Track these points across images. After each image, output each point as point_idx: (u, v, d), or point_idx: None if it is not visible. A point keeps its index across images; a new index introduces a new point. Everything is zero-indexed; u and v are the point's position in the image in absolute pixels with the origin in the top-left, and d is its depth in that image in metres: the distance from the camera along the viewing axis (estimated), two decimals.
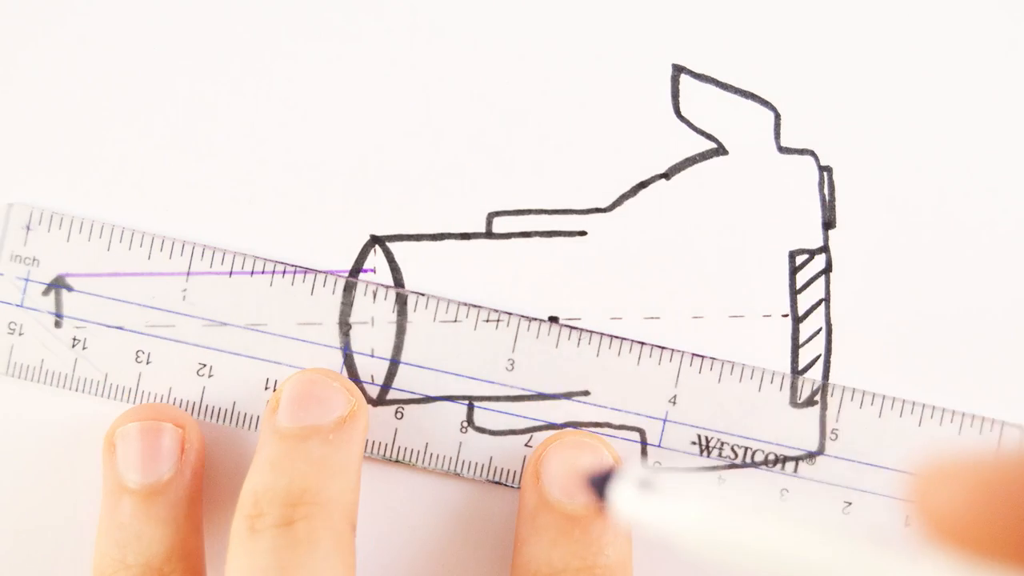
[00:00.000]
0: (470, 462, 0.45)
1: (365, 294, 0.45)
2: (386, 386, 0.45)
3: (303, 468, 0.40)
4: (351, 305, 0.45)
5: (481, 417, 0.45)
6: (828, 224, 0.45)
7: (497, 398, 0.45)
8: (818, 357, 0.46)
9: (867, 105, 0.45)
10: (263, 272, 0.45)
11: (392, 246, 0.45)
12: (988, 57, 0.45)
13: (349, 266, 0.45)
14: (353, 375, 0.45)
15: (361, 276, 0.45)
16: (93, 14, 0.44)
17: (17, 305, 0.44)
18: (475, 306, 0.45)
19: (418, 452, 0.45)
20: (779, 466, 0.46)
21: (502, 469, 0.45)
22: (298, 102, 0.45)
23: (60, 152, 0.45)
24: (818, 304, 0.46)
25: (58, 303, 0.44)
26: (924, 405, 0.46)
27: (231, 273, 0.45)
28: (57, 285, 0.44)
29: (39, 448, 0.45)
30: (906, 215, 0.46)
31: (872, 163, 0.45)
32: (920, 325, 0.46)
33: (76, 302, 0.44)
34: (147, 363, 0.45)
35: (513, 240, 0.45)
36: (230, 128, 0.45)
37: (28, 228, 0.44)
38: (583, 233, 0.45)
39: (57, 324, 0.45)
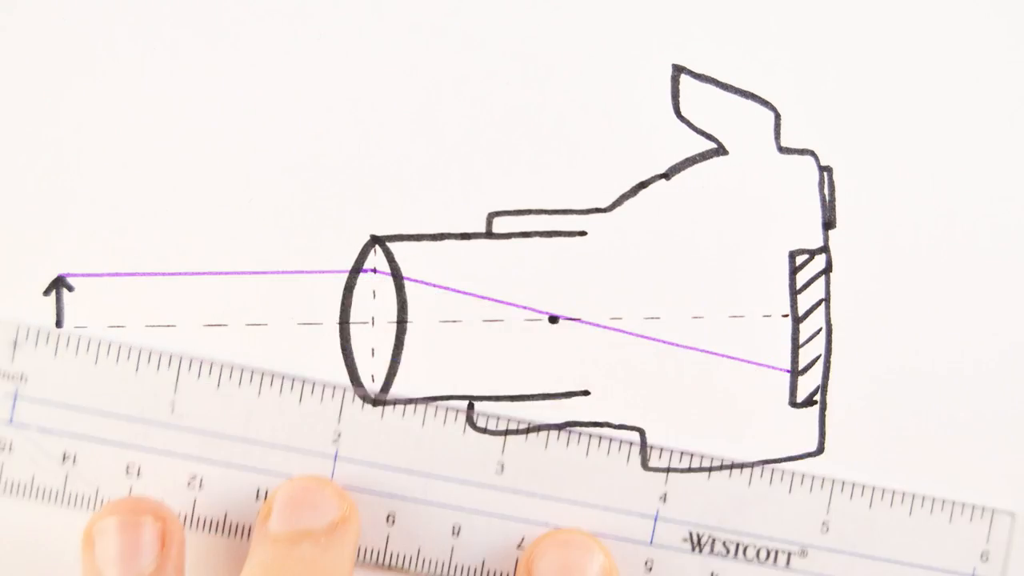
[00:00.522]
0: (463, 566, 0.45)
1: (366, 294, 0.45)
2: (386, 386, 0.45)
3: (296, 570, 0.40)
4: (351, 305, 0.45)
5: (481, 417, 0.45)
6: (828, 224, 0.45)
7: (498, 398, 0.45)
8: (818, 357, 0.46)
9: (867, 105, 0.45)
10: (251, 381, 0.45)
11: (392, 246, 0.45)
12: (988, 57, 0.45)
13: (349, 266, 0.45)
14: (353, 376, 0.45)
15: (361, 276, 0.45)
16: (100, 10, 0.44)
17: (7, 422, 0.44)
18: (477, 305, 0.45)
19: (411, 557, 0.45)
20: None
21: (495, 571, 0.45)
22: (298, 102, 0.45)
23: (65, 146, 0.45)
24: (818, 304, 0.46)
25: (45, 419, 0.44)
26: (913, 495, 0.46)
27: (219, 384, 0.45)
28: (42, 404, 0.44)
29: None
30: (906, 215, 0.46)
31: (872, 163, 0.45)
32: (920, 324, 0.46)
33: (65, 416, 0.44)
34: (137, 476, 0.45)
35: (513, 240, 0.45)
36: (229, 128, 0.45)
37: (15, 345, 0.44)
38: (583, 233, 0.45)
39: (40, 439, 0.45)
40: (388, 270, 0.45)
